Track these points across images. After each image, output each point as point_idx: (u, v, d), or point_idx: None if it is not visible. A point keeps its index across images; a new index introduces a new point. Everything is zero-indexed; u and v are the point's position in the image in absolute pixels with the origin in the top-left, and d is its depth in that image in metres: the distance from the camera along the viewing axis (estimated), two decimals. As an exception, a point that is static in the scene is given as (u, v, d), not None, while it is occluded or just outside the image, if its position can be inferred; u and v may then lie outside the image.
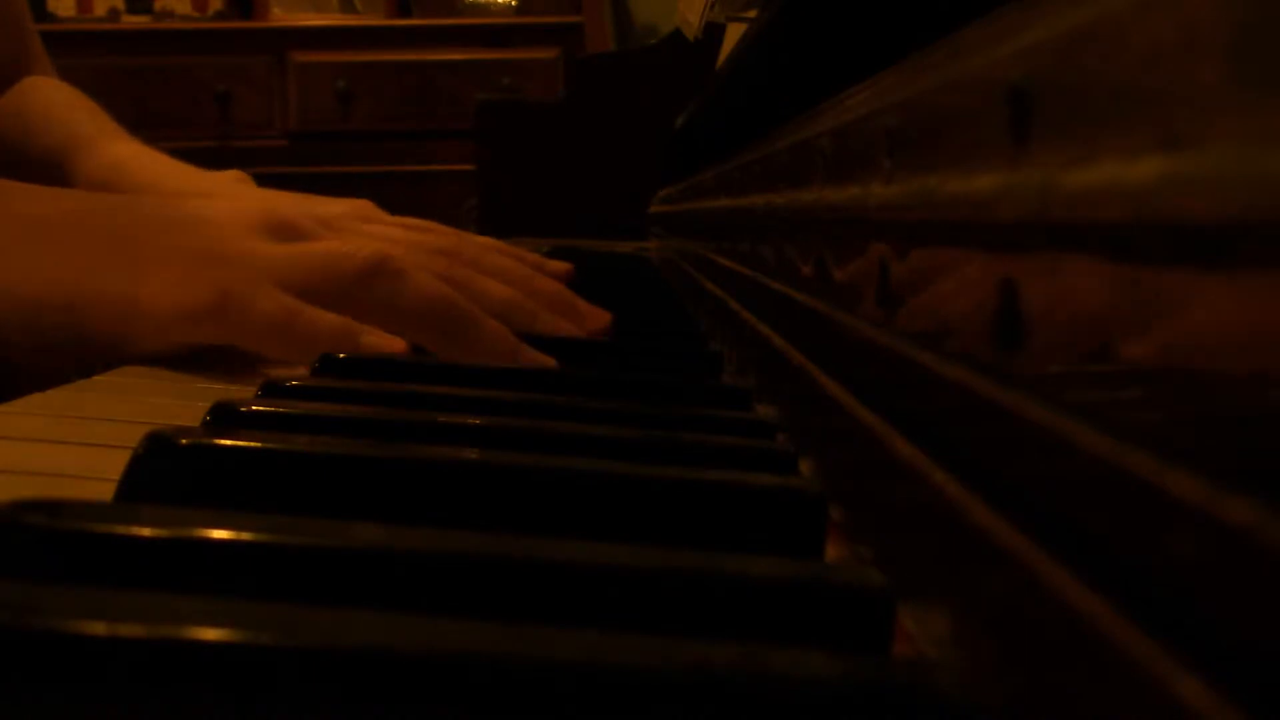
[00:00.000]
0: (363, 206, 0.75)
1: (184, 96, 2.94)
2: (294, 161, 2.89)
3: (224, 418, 0.35)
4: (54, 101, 0.98)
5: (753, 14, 0.71)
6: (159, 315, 0.53)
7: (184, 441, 0.29)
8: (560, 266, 0.81)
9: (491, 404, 0.42)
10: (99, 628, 0.17)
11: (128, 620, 0.18)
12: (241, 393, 0.42)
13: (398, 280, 0.57)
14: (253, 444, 0.30)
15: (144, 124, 0.97)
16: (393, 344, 0.55)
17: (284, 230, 0.59)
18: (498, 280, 0.66)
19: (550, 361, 0.58)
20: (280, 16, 3.05)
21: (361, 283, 0.56)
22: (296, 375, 0.45)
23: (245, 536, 0.23)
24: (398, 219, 0.75)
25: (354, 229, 0.67)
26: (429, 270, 0.60)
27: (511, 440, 0.35)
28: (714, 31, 1.10)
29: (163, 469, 0.29)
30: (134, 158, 0.91)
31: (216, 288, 0.52)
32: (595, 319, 0.70)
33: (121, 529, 0.23)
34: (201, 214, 0.59)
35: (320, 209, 0.68)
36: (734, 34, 0.92)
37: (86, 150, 0.90)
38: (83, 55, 2.64)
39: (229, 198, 0.80)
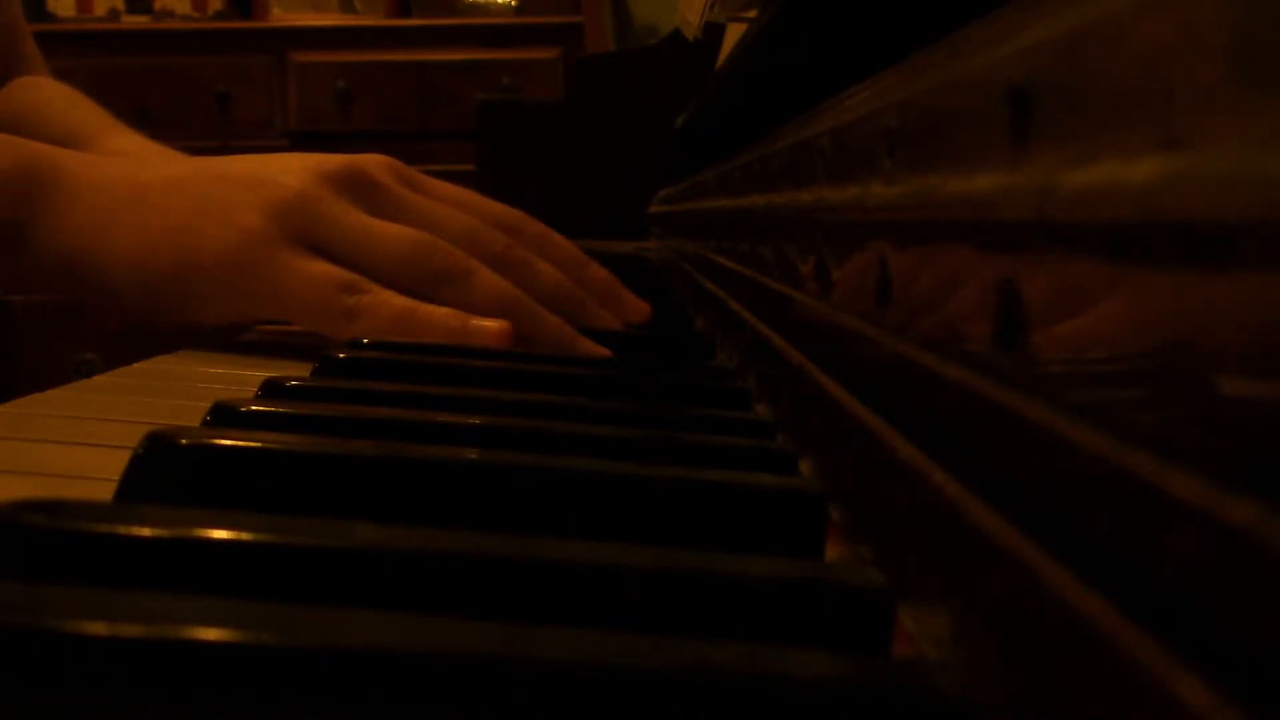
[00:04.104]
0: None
1: (184, 96, 2.94)
2: (294, 161, 2.88)
3: (224, 418, 0.35)
4: (52, 98, 0.98)
5: (753, 14, 0.70)
6: (275, 306, 0.57)
7: (184, 441, 0.29)
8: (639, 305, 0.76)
9: (492, 404, 0.42)
10: (99, 628, 0.17)
11: (128, 620, 0.18)
12: (241, 393, 0.42)
13: (466, 280, 0.60)
14: (252, 444, 0.30)
15: (144, 124, 0.97)
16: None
17: (366, 190, 0.62)
18: (552, 264, 0.68)
19: (605, 352, 0.61)
20: (280, 16, 3.05)
21: (435, 283, 0.60)
22: (296, 375, 0.45)
23: (245, 536, 0.23)
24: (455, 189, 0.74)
25: (425, 206, 0.67)
26: (489, 251, 0.63)
27: (512, 440, 0.35)
28: (714, 31, 1.10)
29: (163, 469, 0.29)
30: (138, 150, 0.90)
31: (332, 283, 0.57)
32: (636, 310, 0.72)
33: (121, 529, 0.23)
34: (289, 163, 0.61)
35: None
36: (734, 34, 0.91)
37: (90, 145, 0.89)
38: (83, 55, 2.64)
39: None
